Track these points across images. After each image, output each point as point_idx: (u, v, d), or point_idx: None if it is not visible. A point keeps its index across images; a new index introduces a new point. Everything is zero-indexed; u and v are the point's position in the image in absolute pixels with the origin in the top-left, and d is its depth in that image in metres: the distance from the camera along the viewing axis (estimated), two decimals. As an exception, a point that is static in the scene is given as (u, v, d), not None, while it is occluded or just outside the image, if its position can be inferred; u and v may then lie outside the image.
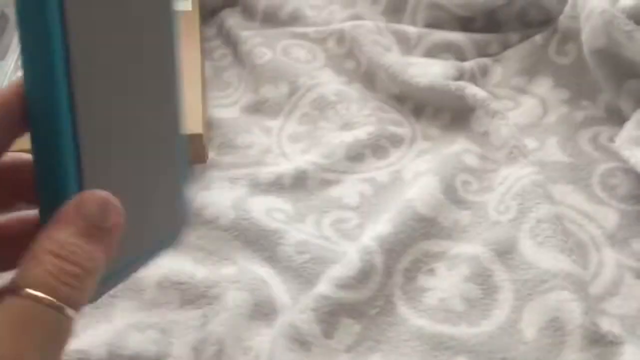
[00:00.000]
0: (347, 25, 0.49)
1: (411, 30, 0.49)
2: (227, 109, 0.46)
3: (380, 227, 0.34)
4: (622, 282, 0.32)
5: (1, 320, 0.19)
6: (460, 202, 0.36)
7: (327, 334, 0.29)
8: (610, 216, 0.35)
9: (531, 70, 0.45)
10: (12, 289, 0.20)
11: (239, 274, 0.33)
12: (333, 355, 0.29)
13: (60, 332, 0.20)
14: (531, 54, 0.46)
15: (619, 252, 0.33)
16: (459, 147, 0.39)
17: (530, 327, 0.29)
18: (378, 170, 0.39)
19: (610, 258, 0.33)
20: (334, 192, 0.38)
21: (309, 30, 0.51)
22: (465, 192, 0.37)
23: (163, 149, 0.25)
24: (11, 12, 0.48)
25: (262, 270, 0.33)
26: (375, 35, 0.48)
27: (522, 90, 0.45)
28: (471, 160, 0.38)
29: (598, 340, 0.27)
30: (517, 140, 0.38)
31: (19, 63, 0.44)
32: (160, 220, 0.25)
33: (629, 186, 0.36)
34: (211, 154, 0.41)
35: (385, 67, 0.45)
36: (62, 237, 0.20)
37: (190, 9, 0.50)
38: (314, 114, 0.44)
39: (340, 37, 0.49)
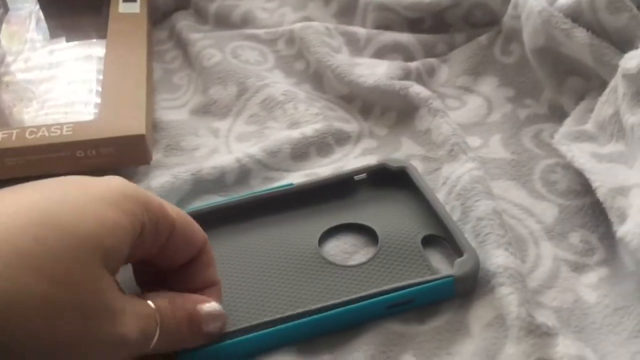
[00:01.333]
0: (297, 26, 0.49)
1: (360, 31, 0.49)
2: (176, 110, 0.46)
3: None
4: (558, 276, 0.32)
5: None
6: None
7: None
8: (549, 211, 0.35)
9: (476, 70, 0.46)
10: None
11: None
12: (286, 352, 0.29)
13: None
14: (476, 53, 0.46)
15: (556, 246, 0.33)
16: (402, 155, 0.40)
17: (475, 324, 0.29)
18: (321, 167, 0.39)
19: (548, 251, 0.33)
20: None
21: (260, 32, 0.51)
22: None
23: None
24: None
25: None
26: (324, 37, 0.48)
27: (467, 90, 0.45)
28: (415, 165, 0.38)
29: (533, 330, 0.27)
30: (458, 138, 0.38)
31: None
32: None
33: (568, 181, 0.37)
34: (157, 156, 0.41)
35: (333, 68, 0.45)
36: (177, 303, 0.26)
37: (138, 11, 0.50)
38: (263, 115, 0.43)
39: (290, 39, 0.49)
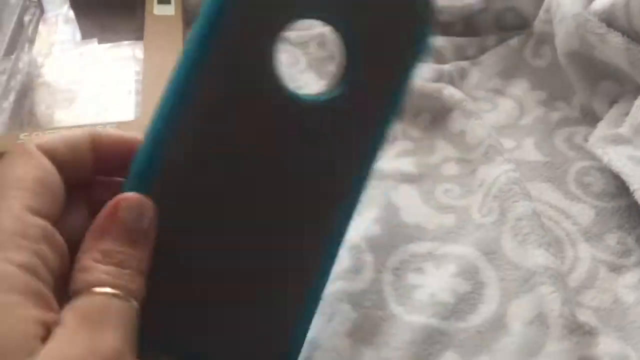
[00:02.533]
0: (328, 29, 0.50)
1: None
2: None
3: (368, 226, 0.34)
4: (597, 276, 0.32)
5: (86, 317, 0.19)
6: (443, 208, 0.37)
7: (327, 318, 0.30)
8: (585, 213, 0.36)
9: (508, 73, 0.46)
10: (79, 291, 0.20)
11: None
12: (337, 337, 0.29)
13: (135, 321, 0.20)
14: (507, 57, 0.47)
15: (593, 247, 0.34)
16: (437, 158, 0.40)
17: (515, 321, 0.30)
18: None
19: (585, 253, 0.33)
20: None
21: (291, 34, 0.52)
22: (447, 199, 0.37)
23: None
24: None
25: None
26: None
27: (499, 92, 0.46)
28: (450, 169, 0.39)
29: (576, 329, 0.28)
30: (493, 140, 0.38)
31: (1, 68, 0.44)
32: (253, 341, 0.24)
33: (603, 184, 0.37)
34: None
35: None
36: (106, 247, 0.21)
37: (172, 13, 0.51)
38: None
39: (322, 41, 0.50)
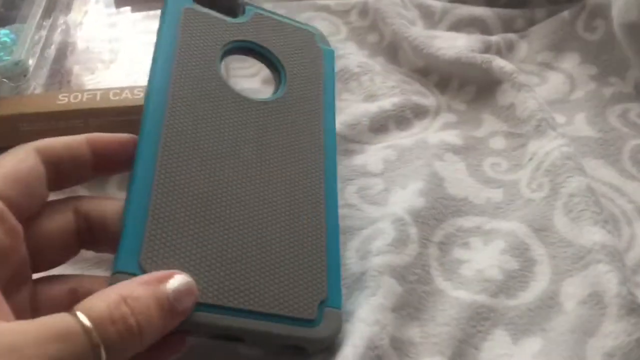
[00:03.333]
0: None
1: (435, 4, 0.48)
2: (249, 80, 0.46)
3: (411, 197, 0.33)
4: (654, 257, 0.31)
5: (38, 329, 0.19)
6: (491, 181, 0.36)
7: (371, 293, 0.29)
8: (640, 191, 0.34)
9: (558, 46, 0.45)
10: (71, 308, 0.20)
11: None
12: (380, 310, 0.28)
13: None
14: (558, 29, 0.45)
15: (650, 226, 0.32)
16: (484, 132, 0.39)
17: (569, 300, 0.29)
18: (401, 139, 0.38)
19: (641, 233, 0.32)
20: (358, 160, 0.37)
21: (331, 2, 0.50)
22: (495, 173, 0.36)
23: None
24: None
25: None
26: (399, 9, 0.47)
27: (548, 66, 0.44)
28: (498, 143, 0.38)
29: (635, 309, 0.27)
30: (545, 113, 0.37)
31: (39, 27, 0.43)
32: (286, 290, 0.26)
33: (660, 161, 0.36)
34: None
35: (410, 40, 0.44)
36: (137, 291, 0.21)
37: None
38: (338, 86, 0.43)
39: (363, 10, 0.49)
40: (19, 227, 0.23)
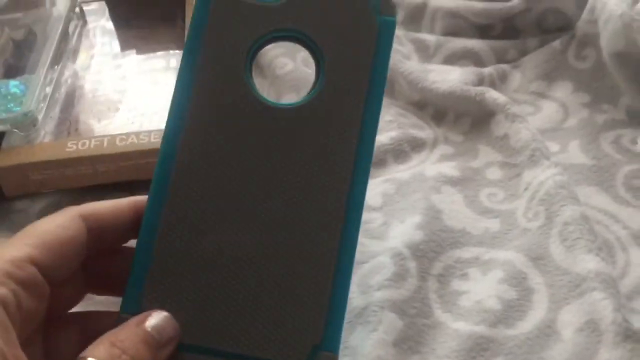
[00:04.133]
0: None
1: (429, 38, 0.50)
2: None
3: (410, 231, 0.34)
4: (649, 282, 0.32)
5: None
6: (488, 212, 0.36)
7: (372, 328, 0.30)
8: (635, 216, 0.35)
9: (550, 75, 0.46)
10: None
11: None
12: (381, 346, 0.29)
13: None
14: (550, 59, 0.46)
15: (645, 252, 0.33)
16: (480, 162, 0.40)
17: (566, 328, 0.29)
18: (399, 173, 0.40)
19: (637, 257, 0.33)
20: None
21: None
22: (491, 203, 0.37)
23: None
24: (38, 29, 0.50)
25: None
26: (394, 44, 0.48)
27: (541, 95, 0.45)
28: (494, 173, 0.39)
29: (631, 336, 0.27)
30: (539, 143, 0.38)
31: (47, 78, 0.45)
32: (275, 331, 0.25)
33: (653, 187, 0.36)
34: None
35: (405, 75, 0.45)
36: (123, 335, 0.23)
37: (212, 22, 0.52)
38: None
39: None
40: (47, 290, 0.24)
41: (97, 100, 0.47)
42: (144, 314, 0.24)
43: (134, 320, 0.24)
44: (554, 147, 0.40)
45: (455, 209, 0.36)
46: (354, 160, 0.26)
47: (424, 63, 0.48)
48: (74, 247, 0.24)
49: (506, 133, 0.40)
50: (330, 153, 0.26)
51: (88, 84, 0.49)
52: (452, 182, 0.38)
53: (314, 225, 0.26)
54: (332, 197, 0.26)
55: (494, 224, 0.35)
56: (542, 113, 0.44)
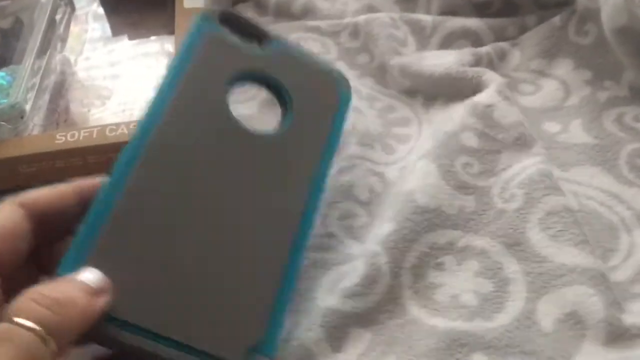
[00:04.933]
0: (361, 19, 0.49)
1: (426, 19, 0.48)
2: (245, 104, 0.46)
3: (384, 226, 0.33)
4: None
5: None
6: (462, 186, 0.35)
7: (336, 348, 0.29)
8: (639, 197, 0.34)
9: (550, 52, 0.45)
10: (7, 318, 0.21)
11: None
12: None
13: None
14: (550, 36, 0.45)
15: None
16: (456, 126, 0.37)
17: (547, 318, 0.29)
18: (387, 166, 0.38)
19: (641, 239, 0.32)
20: (345, 178, 0.37)
21: (322, 23, 0.51)
22: (466, 175, 0.35)
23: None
24: (25, 17, 0.48)
25: None
26: (390, 29, 0.47)
27: (542, 73, 0.44)
28: (470, 139, 0.37)
29: (622, 334, 0.27)
30: (526, 129, 0.37)
31: (34, 67, 0.44)
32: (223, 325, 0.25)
33: (657, 165, 0.35)
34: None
35: (399, 62, 0.44)
36: (53, 284, 0.22)
37: (202, 5, 0.50)
38: None
39: (354, 31, 0.49)
40: None
41: (88, 88, 0.47)
42: (77, 271, 0.23)
43: (68, 275, 0.23)
44: (555, 127, 0.39)
45: (429, 183, 0.34)
46: (309, 186, 0.30)
47: (421, 47, 0.47)
48: (16, 237, 0.24)
49: (493, 103, 0.38)
50: (289, 178, 0.30)
51: (79, 71, 0.48)
52: (426, 153, 0.37)
53: (265, 237, 0.28)
54: (285, 213, 0.29)
55: (469, 202, 0.34)
56: (542, 91, 0.42)
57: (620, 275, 0.30)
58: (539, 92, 0.43)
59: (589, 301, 0.28)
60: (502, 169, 0.35)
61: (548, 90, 0.42)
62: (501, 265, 0.31)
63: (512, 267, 0.31)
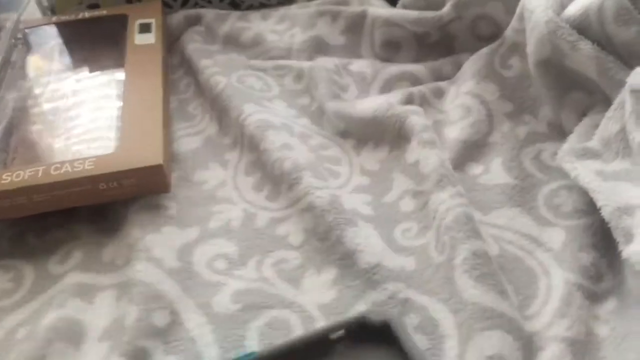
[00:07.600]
0: (306, 65, 0.46)
1: (367, 70, 0.45)
2: (192, 138, 0.43)
3: (323, 288, 0.31)
4: (571, 304, 0.29)
5: None
6: (403, 250, 0.33)
7: None
8: (556, 236, 0.32)
9: (480, 74, 0.42)
10: None
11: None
12: None
13: None
14: (480, 66, 0.42)
15: (567, 271, 0.30)
16: (395, 195, 0.36)
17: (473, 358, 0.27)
18: (319, 199, 0.35)
19: (559, 280, 0.30)
20: (281, 230, 0.35)
21: (268, 64, 0.47)
22: (406, 240, 0.33)
23: None
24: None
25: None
26: (333, 75, 0.44)
27: (472, 94, 0.41)
28: (407, 205, 0.35)
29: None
30: (446, 170, 0.34)
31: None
32: None
33: (573, 201, 0.33)
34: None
35: (335, 105, 0.41)
36: None
37: (153, 42, 0.47)
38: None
39: (298, 75, 0.46)
40: None
41: (37, 127, 0.43)
42: None
43: None
44: (477, 168, 0.37)
45: (372, 243, 0.33)
46: None
47: (361, 93, 0.44)
48: None
49: (417, 159, 0.36)
50: None
51: (31, 109, 0.45)
52: (367, 219, 0.35)
53: None
54: None
55: (409, 263, 0.32)
56: (470, 119, 0.39)
57: (537, 323, 0.29)
58: (467, 118, 0.39)
59: (507, 342, 0.26)
60: (432, 218, 0.33)
61: (476, 119, 0.39)
62: (437, 323, 0.29)
63: (446, 323, 0.29)
